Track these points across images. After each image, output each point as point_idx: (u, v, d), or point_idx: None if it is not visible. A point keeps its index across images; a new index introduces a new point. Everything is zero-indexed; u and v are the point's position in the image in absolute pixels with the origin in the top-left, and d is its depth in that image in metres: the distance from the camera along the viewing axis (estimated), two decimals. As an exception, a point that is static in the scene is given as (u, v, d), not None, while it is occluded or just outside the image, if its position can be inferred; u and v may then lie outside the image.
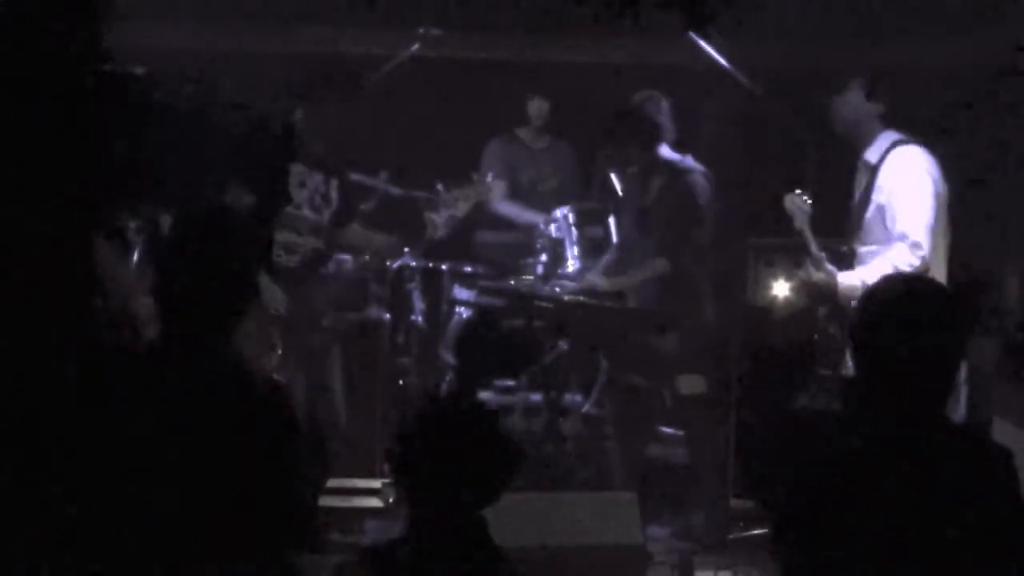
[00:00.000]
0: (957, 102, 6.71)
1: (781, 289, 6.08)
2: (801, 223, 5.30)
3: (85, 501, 2.91)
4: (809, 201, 5.31)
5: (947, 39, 7.00)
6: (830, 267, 5.24)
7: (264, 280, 5.44)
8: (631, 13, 7.02)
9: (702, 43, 6.45)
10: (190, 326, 3.05)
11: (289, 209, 5.55)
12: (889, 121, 5.34)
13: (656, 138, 6.17)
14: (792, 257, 6.10)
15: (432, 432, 3.04)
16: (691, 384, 6.18)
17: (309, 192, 5.65)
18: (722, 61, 6.48)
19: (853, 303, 5.10)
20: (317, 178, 5.68)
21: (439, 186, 5.99)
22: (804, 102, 6.51)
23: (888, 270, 4.99)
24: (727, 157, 6.56)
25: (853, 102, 5.33)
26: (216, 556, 2.96)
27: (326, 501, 5.83)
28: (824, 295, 5.29)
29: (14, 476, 2.82)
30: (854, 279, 5.19)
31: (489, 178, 7.20)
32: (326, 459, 5.74)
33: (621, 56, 7.61)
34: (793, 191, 5.36)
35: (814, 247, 5.27)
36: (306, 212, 5.64)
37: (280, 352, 5.50)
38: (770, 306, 6.05)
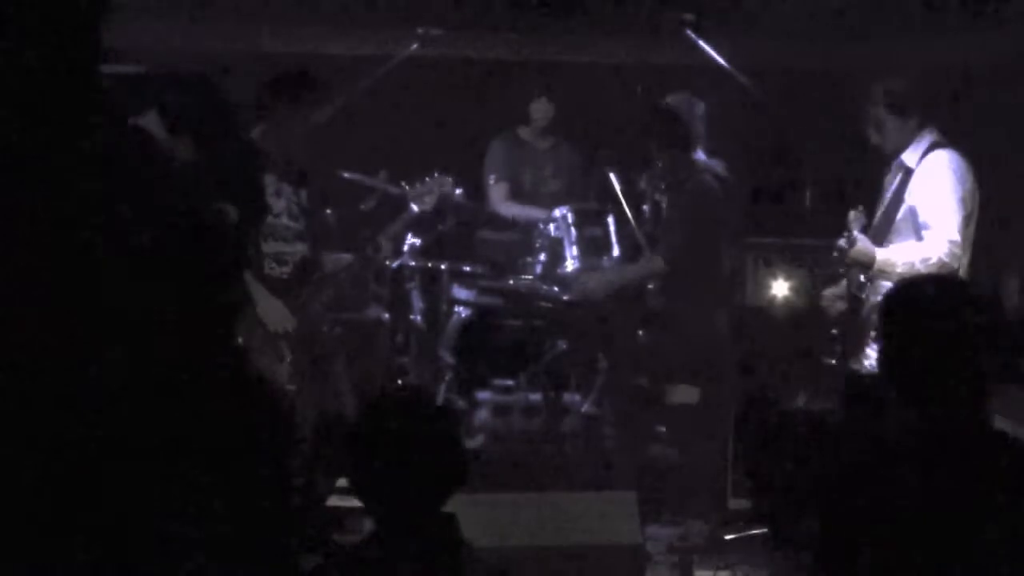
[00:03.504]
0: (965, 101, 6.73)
1: (780, 289, 6.09)
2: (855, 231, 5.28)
3: (86, 501, 2.91)
4: (863, 214, 5.29)
5: (943, 39, 7.01)
6: (867, 243, 5.21)
7: (264, 295, 5.44)
8: (631, 13, 7.07)
9: (701, 43, 6.46)
10: (187, 334, 3.05)
11: (270, 219, 5.54)
12: (926, 122, 5.32)
13: (690, 142, 6.13)
14: (790, 257, 6.12)
15: (373, 431, 3.02)
16: (683, 394, 6.16)
17: (286, 201, 5.64)
18: (721, 61, 6.48)
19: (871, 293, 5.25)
20: (288, 189, 5.67)
21: (404, 184, 6.09)
22: (805, 102, 6.53)
23: (925, 255, 5.12)
24: (725, 157, 6.57)
25: (905, 130, 5.31)
26: (220, 558, 2.96)
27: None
28: (860, 266, 5.26)
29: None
30: (892, 255, 5.21)
31: (491, 180, 7.22)
32: (337, 462, 5.74)
33: (621, 56, 7.62)
34: (857, 209, 5.32)
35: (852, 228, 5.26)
36: (285, 220, 5.64)
37: (289, 362, 5.51)
38: (769, 306, 6.06)
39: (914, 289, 2.94)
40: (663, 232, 6.24)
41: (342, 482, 6.07)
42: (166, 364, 3.02)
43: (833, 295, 5.52)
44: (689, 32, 6.54)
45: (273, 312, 5.46)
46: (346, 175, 6.75)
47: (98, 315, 2.92)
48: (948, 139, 5.31)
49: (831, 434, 5.39)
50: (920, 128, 5.30)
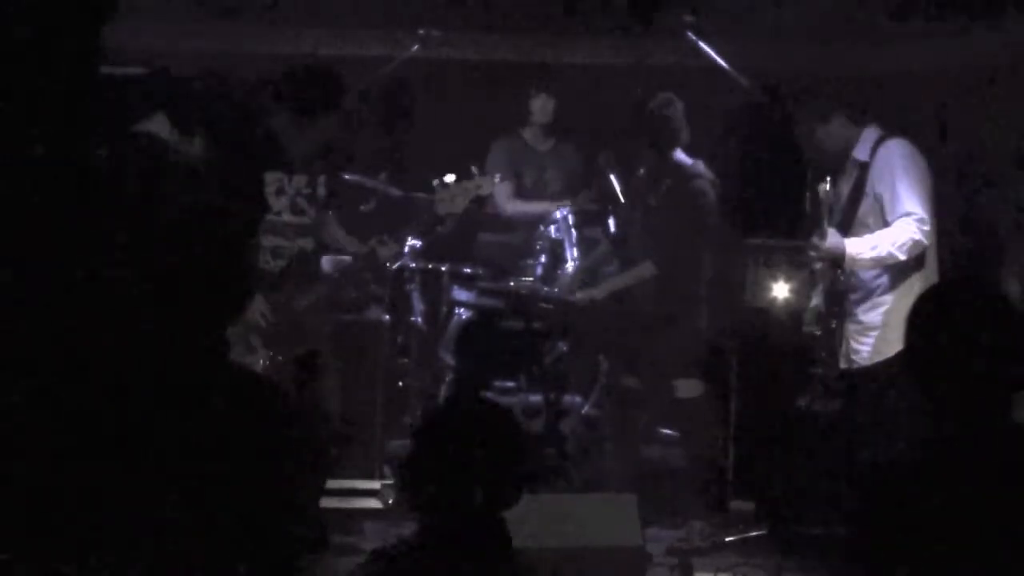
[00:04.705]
0: (955, 103, 6.75)
1: (780, 290, 6.09)
2: (825, 214, 5.31)
3: (82, 503, 2.91)
4: (830, 188, 5.32)
5: (944, 39, 7.02)
6: (837, 237, 5.25)
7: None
8: (631, 14, 7.07)
9: (701, 44, 6.46)
10: (184, 324, 3.04)
11: (270, 217, 5.54)
12: (869, 120, 5.44)
13: (673, 142, 6.18)
14: (790, 258, 6.12)
15: (449, 435, 3.02)
16: (689, 388, 6.18)
17: (289, 198, 5.63)
18: (721, 61, 6.48)
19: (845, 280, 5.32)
20: (299, 180, 5.65)
21: (436, 182, 5.99)
22: (803, 102, 6.52)
23: (895, 238, 5.20)
24: (726, 157, 6.58)
25: (838, 131, 5.42)
26: (217, 558, 2.95)
27: (326, 503, 5.83)
28: (834, 261, 5.30)
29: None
30: (862, 245, 5.24)
31: (497, 179, 7.19)
32: (325, 460, 5.73)
33: (621, 57, 7.62)
34: (826, 182, 5.35)
35: (824, 222, 5.27)
36: (287, 218, 5.63)
37: (261, 355, 5.48)
38: (769, 307, 6.06)
39: (944, 292, 2.92)
40: (654, 235, 6.26)
41: (338, 484, 6.09)
42: (156, 360, 3.02)
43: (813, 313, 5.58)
44: (690, 34, 6.54)
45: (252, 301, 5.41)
46: (346, 176, 6.75)
47: (91, 309, 2.92)
48: (894, 132, 5.42)
49: (844, 436, 5.38)
50: (859, 125, 5.41)
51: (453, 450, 2.99)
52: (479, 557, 2.95)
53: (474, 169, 6.06)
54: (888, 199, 5.28)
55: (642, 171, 6.36)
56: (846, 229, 5.35)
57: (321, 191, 5.70)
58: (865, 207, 5.34)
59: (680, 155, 6.22)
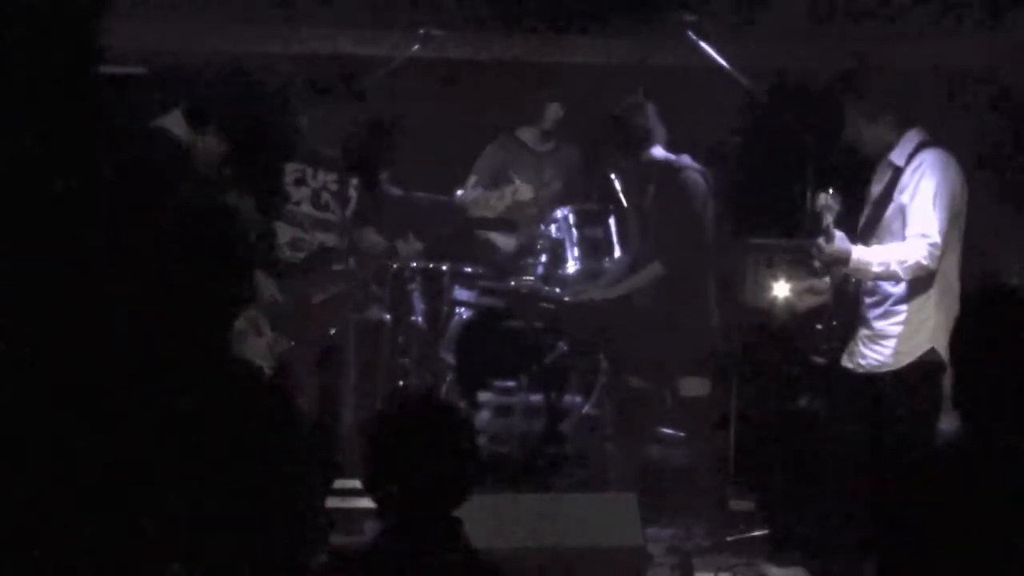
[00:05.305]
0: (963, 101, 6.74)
1: (781, 290, 6.08)
2: (828, 219, 5.23)
3: (84, 503, 2.91)
4: (838, 198, 5.25)
5: (950, 39, 7.02)
6: (844, 242, 5.17)
7: (258, 274, 5.45)
8: (632, 14, 7.07)
9: (702, 44, 6.46)
10: (186, 321, 3.05)
11: (289, 206, 5.56)
12: (910, 121, 5.30)
13: (647, 142, 6.22)
14: (791, 258, 6.11)
15: (393, 433, 3.02)
16: (693, 386, 6.19)
17: (311, 189, 5.65)
18: (722, 61, 6.48)
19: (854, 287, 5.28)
20: (325, 177, 5.67)
21: (481, 190, 6.02)
22: (805, 102, 6.53)
23: (902, 257, 5.09)
24: (727, 158, 6.58)
25: (882, 131, 5.29)
26: (218, 557, 2.96)
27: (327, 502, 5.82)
28: (837, 264, 5.22)
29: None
30: (868, 255, 5.17)
31: (472, 181, 7.17)
32: (332, 459, 5.74)
33: (623, 57, 7.61)
34: (827, 191, 5.27)
35: (829, 225, 5.20)
36: (307, 209, 5.64)
37: (267, 340, 5.48)
38: (770, 307, 6.05)
39: (989, 307, 2.91)
40: (655, 235, 6.28)
41: (339, 484, 6.08)
42: (163, 356, 3.03)
43: (800, 289, 5.55)
44: (690, 33, 6.54)
45: (262, 285, 5.42)
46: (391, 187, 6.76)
47: (99, 306, 2.93)
48: (935, 138, 5.29)
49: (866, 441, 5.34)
50: (903, 127, 5.27)
51: (394, 446, 2.99)
52: (432, 555, 2.94)
53: (517, 180, 6.07)
54: (908, 212, 5.16)
55: (632, 174, 6.39)
56: (870, 231, 5.28)
57: (353, 192, 5.73)
58: (891, 212, 5.24)
59: (661, 152, 6.25)
